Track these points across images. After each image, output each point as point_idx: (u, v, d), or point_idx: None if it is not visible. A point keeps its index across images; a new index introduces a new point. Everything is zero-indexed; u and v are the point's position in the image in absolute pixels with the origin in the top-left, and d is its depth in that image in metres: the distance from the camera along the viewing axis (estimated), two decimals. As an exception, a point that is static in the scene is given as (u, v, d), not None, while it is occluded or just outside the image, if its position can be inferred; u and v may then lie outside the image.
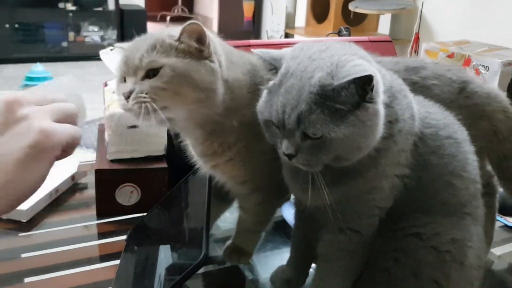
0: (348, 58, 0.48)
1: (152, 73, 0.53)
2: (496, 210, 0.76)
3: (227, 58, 0.59)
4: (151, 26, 5.28)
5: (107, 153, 0.82)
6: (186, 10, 6.71)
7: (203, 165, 0.65)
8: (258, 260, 0.73)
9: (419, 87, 0.67)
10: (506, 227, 0.87)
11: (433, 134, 0.55)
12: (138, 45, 0.55)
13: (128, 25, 4.74)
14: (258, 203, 0.67)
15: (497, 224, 0.86)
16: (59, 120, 0.46)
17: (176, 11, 6.69)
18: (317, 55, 0.49)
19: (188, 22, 0.55)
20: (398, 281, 0.53)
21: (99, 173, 0.80)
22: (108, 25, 4.74)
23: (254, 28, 4.63)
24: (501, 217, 0.89)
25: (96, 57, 0.89)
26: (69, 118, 0.48)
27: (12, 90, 3.44)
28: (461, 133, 0.59)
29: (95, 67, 4.02)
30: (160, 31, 0.57)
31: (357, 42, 1.10)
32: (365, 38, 1.02)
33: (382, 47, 1.01)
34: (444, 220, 0.55)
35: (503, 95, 0.72)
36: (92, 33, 4.71)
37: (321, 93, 0.46)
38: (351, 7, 2.53)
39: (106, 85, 0.95)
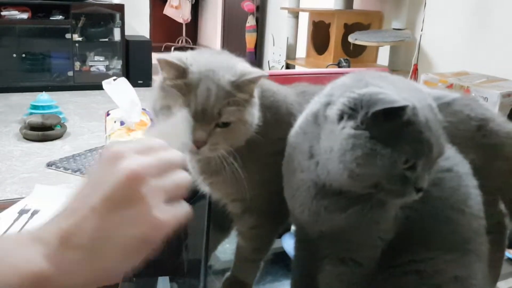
0: None
1: (222, 123, 0.56)
2: (505, 248, 0.75)
3: None
4: (155, 57, 5.39)
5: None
6: (190, 41, 6.86)
7: (202, 183, 0.66)
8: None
9: None
10: (510, 260, 0.86)
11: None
12: (210, 89, 0.55)
13: (133, 55, 4.84)
14: (252, 226, 0.67)
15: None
16: (171, 195, 0.41)
17: (180, 42, 6.84)
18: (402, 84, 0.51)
19: (256, 73, 0.57)
20: None
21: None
22: (114, 55, 4.83)
23: (256, 59, 4.72)
24: (507, 251, 0.87)
25: (101, 87, 0.91)
26: (177, 170, 0.43)
27: (17, 117, 3.47)
28: (463, 166, 0.59)
29: (100, 96, 4.08)
30: (227, 66, 0.58)
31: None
32: (363, 69, 1.04)
33: (381, 78, 1.03)
34: (446, 256, 0.54)
35: None
36: (97, 63, 4.79)
37: None
38: (351, 39, 2.58)
39: (108, 114, 0.97)
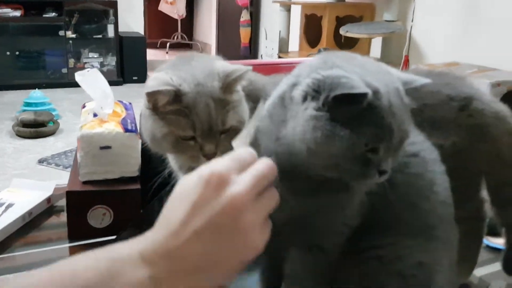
0: None
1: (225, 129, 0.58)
2: (483, 236, 0.74)
3: None
4: (150, 53, 5.38)
5: (79, 174, 0.82)
6: (185, 37, 6.84)
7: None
8: (234, 282, 0.71)
9: None
10: (488, 247, 0.85)
11: None
12: (208, 104, 0.56)
13: (127, 52, 4.83)
14: None
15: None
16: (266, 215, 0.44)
17: (175, 38, 6.81)
18: (372, 67, 0.50)
19: (240, 70, 0.57)
20: None
21: (70, 195, 0.80)
22: (108, 52, 4.82)
23: (250, 53, 4.71)
24: (484, 237, 0.87)
25: None
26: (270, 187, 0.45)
27: (11, 115, 3.46)
28: (430, 152, 0.58)
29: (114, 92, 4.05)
30: (211, 69, 0.58)
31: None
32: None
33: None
34: (408, 242, 0.53)
35: (511, 115, 0.66)
36: (92, 60, 4.78)
37: None
38: (342, 31, 2.57)
39: (84, 106, 0.96)
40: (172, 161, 0.67)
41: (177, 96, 0.55)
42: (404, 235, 0.53)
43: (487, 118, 0.64)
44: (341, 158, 0.46)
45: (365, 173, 0.46)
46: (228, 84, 0.57)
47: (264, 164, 0.44)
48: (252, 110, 0.62)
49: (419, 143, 0.56)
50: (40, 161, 2.70)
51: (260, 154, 0.55)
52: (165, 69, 0.59)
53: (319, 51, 2.09)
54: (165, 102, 0.56)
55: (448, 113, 0.64)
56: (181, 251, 0.38)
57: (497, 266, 0.79)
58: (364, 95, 0.43)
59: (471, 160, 0.65)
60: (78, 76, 0.86)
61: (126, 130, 0.81)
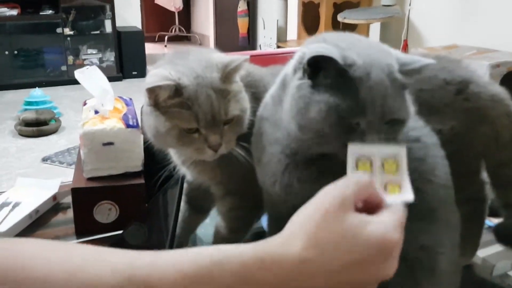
0: None
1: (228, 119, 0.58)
2: (485, 217, 0.74)
3: None
4: (149, 47, 5.36)
5: (83, 171, 0.82)
6: (183, 29, 6.80)
7: (187, 171, 0.68)
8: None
9: None
10: (491, 228, 0.85)
11: (403, 135, 0.54)
12: (210, 95, 0.56)
13: (125, 46, 4.81)
14: (231, 208, 0.69)
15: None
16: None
17: (173, 30, 6.78)
18: (364, 44, 0.50)
19: (238, 60, 0.58)
20: None
21: (75, 191, 0.80)
22: (106, 48, 4.80)
23: (249, 43, 4.68)
24: (487, 218, 0.87)
25: None
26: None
27: (12, 114, 3.48)
28: (431, 137, 0.58)
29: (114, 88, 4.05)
30: (209, 61, 0.58)
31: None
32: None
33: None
34: (410, 226, 0.54)
35: (508, 98, 0.66)
36: (90, 56, 4.77)
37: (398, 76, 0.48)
38: (340, 17, 2.55)
39: (85, 103, 0.96)
40: (175, 156, 0.68)
41: (177, 89, 0.55)
42: (408, 219, 0.54)
43: (484, 101, 0.64)
44: (323, 124, 0.47)
45: (350, 140, 0.47)
46: (227, 74, 0.57)
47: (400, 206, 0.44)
48: (251, 100, 0.62)
49: (419, 129, 0.57)
50: (44, 159, 2.72)
51: (263, 143, 0.56)
52: (163, 65, 0.60)
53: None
54: (166, 96, 0.56)
55: (445, 97, 0.64)
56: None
57: (500, 247, 0.80)
58: (330, 59, 0.45)
59: (470, 144, 0.65)
60: (78, 74, 0.86)
61: (128, 126, 0.81)
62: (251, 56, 0.80)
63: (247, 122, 0.60)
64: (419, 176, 0.54)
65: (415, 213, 0.54)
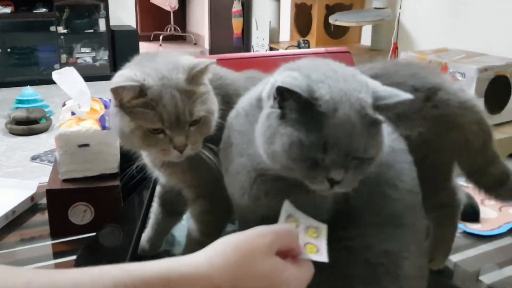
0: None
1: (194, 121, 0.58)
2: (457, 222, 0.75)
3: None
4: (144, 46, 5.34)
5: (59, 172, 0.82)
6: (178, 29, 6.79)
7: (159, 174, 0.69)
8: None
9: None
10: (465, 233, 0.86)
11: None
12: (174, 95, 0.56)
13: (119, 46, 4.79)
14: (203, 211, 0.69)
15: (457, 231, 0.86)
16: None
17: (168, 30, 6.77)
18: (338, 75, 0.48)
19: (205, 62, 0.58)
20: None
21: (50, 193, 0.80)
22: (100, 47, 4.79)
23: (243, 44, 4.68)
24: (461, 223, 0.88)
25: (89, 79, 0.90)
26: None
27: (3, 112, 3.46)
28: (399, 143, 0.59)
29: (92, 89, 4.03)
30: (175, 62, 0.59)
31: (315, 54, 1.11)
32: (322, 49, 1.03)
33: (339, 58, 1.02)
34: (375, 231, 0.54)
35: (479, 104, 0.66)
36: (84, 55, 4.75)
37: (369, 112, 0.47)
38: (331, 20, 2.56)
39: (64, 104, 0.96)
40: (146, 158, 0.68)
41: (142, 90, 0.56)
42: (372, 224, 0.54)
43: (452, 108, 0.64)
44: (286, 159, 0.46)
45: (312, 178, 0.47)
46: (193, 76, 0.57)
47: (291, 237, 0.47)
48: (221, 103, 0.62)
49: (388, 134, 0.57)
50: (33, 158, 2.71)
51: (232, 153, 0.56)
52: (130, 66, 0.60)
53: (299, 43, 2.08)
54: (130, 97, 0.56)
55: (413, 104, 0.64)
56: None
57: (473, 252, 0.80)
58: (293, 92, 0.44)
59: (440, 150, 0.66)
60: (55, 75, 0.86)
61: (104, 128, 0.81)
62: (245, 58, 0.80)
63: (214, 124, 0.60)
64: (385, 181, 0.55)
65: (380, 218, 0.55)
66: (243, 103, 0.57)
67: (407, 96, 0.48)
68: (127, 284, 0.37)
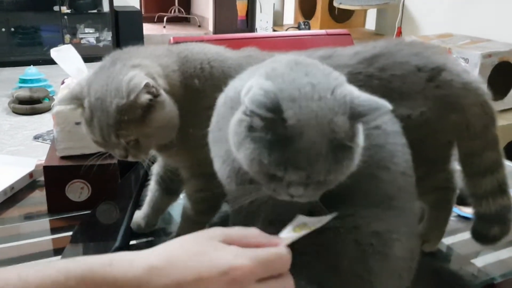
0: None
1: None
2: (452, 206, 0.75)
3: (159, 68, 0.63)
4: (148, 27, 5.30)
5: (56, 149, 0.83)
6: (183, 10, 6.72)
7: (156, 153, 0.70)
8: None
9: (376, 80, 0.63)
10: (459, 216, 0.87)
11: (362, 123, 0.54)
12: (101, 120, 0.59)
13: (123, 27, 4.74)
14: (198, 189, 0.70)
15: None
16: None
17: (173, 11, 6.70)
18: (315, 92, 0.46)
19: (139, 88, 0.57)
20: (319, 276, 0.53)
21: (47, 170, 0.81)
22: (103, 27, 4.77)
23: (247, 26, 4.63)
24: (455, 207, 0.88)
25: (92, 59, 0.90)
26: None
27: (7, 92, 3.47)
28: (392, 124, 0.58)
29: (91, 69, 4.02)
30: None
31: (315, 35, 1.10)
32: (322, 31, 1.02)
33: (339, 40, 1.01)
34: (365, 212, 0.54)
35: (483, 87, 0.65)
36: (88, 35, 4.73)
37: (342, 135, 0.45)
38: (336, 3, 2.52)
39: (63, 82, 0.96)
40: None
41: (82, 106, 0.60)
42: (363, 205, 0.54)
43: (455, 89, 0.63)
44: (248, 169, 0.47)
45: (272, 190, 0.47)
46: (131, 102, 0.57)
47: (284, 258, 0.45)
48: (199, 92, 0.62)
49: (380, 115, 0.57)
50: (36, 137, 2.72)
51: (220, 139, 0.55)
52: (93, 72, 0.62)
53: (299, 24, 2.06)
54: (75, 107, 0.62)
55: (416, 84, 0.63)
56: None
57: (466, 235, 0.81)
58: (252, 112, 0.44)
59: (440, 131, 0.65)
60: (53, 52, 0.86)
61: (101, 106, 0.81)
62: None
63: (169, 135, 0.62)
64: (376, 163, 0.55)
65: (370, 200, 0.55)
66: (230, 90, 0.55)
67: (386, 108, 0.46)
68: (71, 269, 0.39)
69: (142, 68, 0.60)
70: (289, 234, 0.46)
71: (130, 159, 0.61)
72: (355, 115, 0.45)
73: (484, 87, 0.66)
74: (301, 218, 0.48)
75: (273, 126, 0.44)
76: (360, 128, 0.48)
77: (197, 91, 0.64)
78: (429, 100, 0.63)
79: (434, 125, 0.64)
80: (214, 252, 0.41)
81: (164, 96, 0.61)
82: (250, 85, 0.47)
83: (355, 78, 0.63)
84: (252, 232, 0.45)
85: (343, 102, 0.45)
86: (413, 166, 0.59)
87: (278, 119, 0.43)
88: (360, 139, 0.48)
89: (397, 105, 0.64)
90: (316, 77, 0.47)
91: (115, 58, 0.62)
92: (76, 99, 0.60)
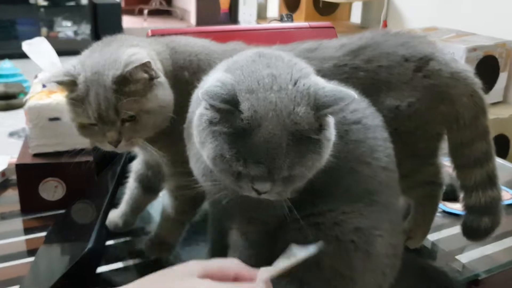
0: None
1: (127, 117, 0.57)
2: (439, 201, 0.74)
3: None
4: (128, 20, 5.20)
5: (29, 147, 0.79)
6: (164, 3, 6.62)
7: (138, 150, 0.68)
8: (183, 254, 0.71)
9: (362, 72, 0.62)
10: (444, 212, 0.86)
11: (341, 118, 0.53)
12: (99, 93, 0.56)
13: (102, 20, 4.64)
14: (180, 186, 0.67)
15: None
16: None
17: (154, 4, 6.59)
18: (275, 83, 0.44)
19: (139, 61, 0.56)
20: (300, 274, 0.51)
21: (20, 168, 0.78)
22: (82, 20, 4.65)
23: (230, 19, 4.59)
24: (440, 202, 0.88)
25: (69, 53, 0.87)
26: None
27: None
28: (373, 119, 0.57)
29: (65, 62, 3.93)
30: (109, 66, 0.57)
31: (298, 28, 1.08)
32: (305, 24, 1.00)
33: (323, 33, 0.99)
34: (346, 208, 0.53)
35: (472, 76, 0.64)
36: (65, 29, 4.61)
37: (305, 127, 0.43)
38: (320, -5, 2.50)
39: (36, 77, 0.92)
40: None
41: (75, 85, 0.57)
42: (343, 201, 0.53)
43: (444, 79, 0.62)
44: (213, 167, 0.45)
45: (238, 187, 0.45)
46: (125, 74, 0.56)
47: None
48: (190, 83, 0.60)
49: (361, 110, 0.55)
50: (11, 134, 2.64)
51: (192, 134, 0.53)
52: (82, 55, 0.60)
53: (281, 17, 2.03)
54: (66, 91, 0.58)
55: (403, 74, 0.62)
56: None
57: (451, 231, 0.80)
58: (209, 104, 0.43)
59: (429, 122, 0.64)
60: (25, 45, 0.82)
61: (75, 101, 0.78)
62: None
63: (163, 119, 0.59)
64: (356, 157, 0.53)
65: (351, 195, 0.53)
66: (205, 85, 0.54)
67: (351, 97, 0.44)
68: None
69: (141, 48, 0.60)
70: (269, 267, 0.44)
71: (120, 148, 0.58)
72: (319, 106, 0.44)
73: (473, 76, 0.65)
74: (292, 249, 0.46)
75: (231, 118, 0.43)
76: (331, 122, 0.46)
77: (186, 83, 0.62)
78: (417, 90, 0.62)
79: (423, 116, 0.63)
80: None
81: (163, 78, 0.60)
82: (210, 80, 0.47)
83: (340, 70, 0.62)
84: (231, 264, 0.43)
85: (306, 93, 0.44)
86: (402, 159, 0.58)
87: (236, 111, 0.42)
88: (330, 133, 0.46)
89: (385, 96, 0.63)
90: (278, 68, 0.46)
91: (108, 41, 0.62)
92: (69, 76, 0.57)
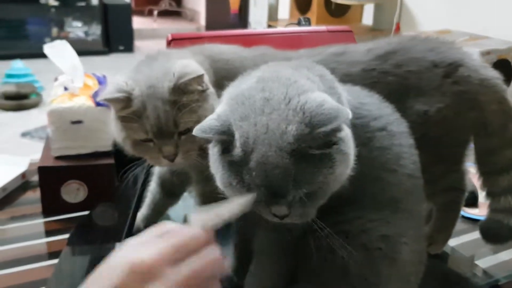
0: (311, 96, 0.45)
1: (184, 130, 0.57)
2: (461, 207, 0.74)
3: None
4: (138, 21, 5.22)
5: (51, 149, 0.80)
6: (174, 4, 6.64)
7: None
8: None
9: (391, 77, 0.62)
10: (463, 218, 0.86)
11: (364, 125, 0.53)
12: (157, 106, 0.55)
13: (112, 20, 4.68)
14: (201, 193, 0.68)
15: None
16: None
17: (164, 5, 6.61)
18: (267, 106, 0.44)
19: (194, 73, 0.56)
20: (327, 280, 0.52)
21: (42, 170, 0.78)
22: (92, 20, 4.67)
23: (240, 21, 4.59)
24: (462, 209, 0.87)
25: (80, 53, 0.88)
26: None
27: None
28: (398, 125, 0.56)
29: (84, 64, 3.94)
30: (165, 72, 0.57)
31: (316, 32, 1.08)
32: (323, 28, 1.00)
33: (341, 37, 0.99)
34: (373, 215, 0.53)
35: (501, 83, 0.64)
36: (75, 29, 4.64)
37: (301, 144, 0.42)
38: (332, -2, 2.49)
39: (56, 79, 0.93)
40: None
41: (129, 101, 0.56)
42: (370, 208, 0.53)
43: (473, 85, 0.62)
44: (228, 193, 0.46)
45: (259, 212, 0.46)
46: (180, 85, 0.56)
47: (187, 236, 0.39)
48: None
49: (385, 117, 0.55)
50: (24, 134, 2.66)
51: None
52: (129, 72, 0.60)
53: (299, 21, 2.03)
54: (119, 107, 0.57)
55: (432, 80, 0.62)
56: None
57: (470, 236, 0.80)
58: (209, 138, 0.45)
59: (458, 128, 0.64)
60: (47, 48, 0.83)
61: (98, 104, 0.79)
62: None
63: None
64: (381, 165, 0.53)
65: (377, 202, 0.54)
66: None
67: (345, 116, 0.43)
68: None
69: (190, 60, 0.60)
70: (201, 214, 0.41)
71: (176, 162, 0.58)
72: (315, 124, 0.43)
73: (502, 83, 0.64)
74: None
75: (230, 148, 0.44)
76: (345, 135, 0.46)
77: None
78: (446, 96, 0.62)
79: (451, 122, 0.63)
80: (113, 255, 0.37)
81: (212, 89, 0.60)
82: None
83: (369, 74, 0.62)
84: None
85: (300, 110, 0.43)
86: (427, 165, 0.57)
87: (232, 141, 0.44)
88: (346, 146, 0.45)
89: (413, 101, 0.63)
90: (272, 90, 0.46)
91: (152, 57, 0.62)
92: (122, 92, 0.56)
